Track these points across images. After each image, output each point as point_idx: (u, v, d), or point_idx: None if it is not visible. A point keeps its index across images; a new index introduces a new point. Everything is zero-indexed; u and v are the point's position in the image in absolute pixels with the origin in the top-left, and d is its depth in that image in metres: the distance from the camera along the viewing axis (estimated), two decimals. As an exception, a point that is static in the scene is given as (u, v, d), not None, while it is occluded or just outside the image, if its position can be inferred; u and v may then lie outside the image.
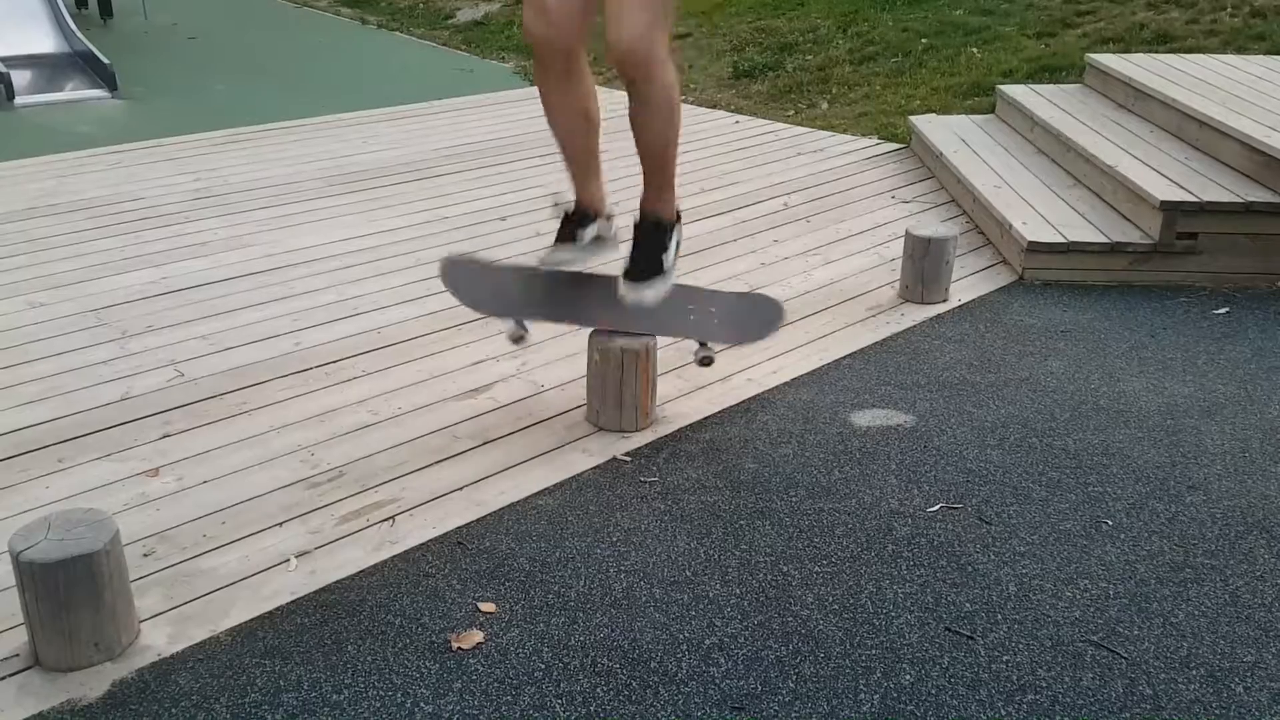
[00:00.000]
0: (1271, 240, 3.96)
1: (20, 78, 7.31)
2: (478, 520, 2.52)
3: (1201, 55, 5.74)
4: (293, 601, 2.23)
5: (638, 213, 2.78)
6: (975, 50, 7.22)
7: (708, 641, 2.13)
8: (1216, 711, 1.96)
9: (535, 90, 2.67)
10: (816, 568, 2.36)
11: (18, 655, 2.06)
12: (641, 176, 2.73)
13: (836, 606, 2.23)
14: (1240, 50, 6.23)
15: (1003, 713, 1.96)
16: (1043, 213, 4.24)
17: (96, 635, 2.02)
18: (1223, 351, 3.46)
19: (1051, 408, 3.08)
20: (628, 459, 2.79)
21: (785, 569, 2.35)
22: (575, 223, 2.86)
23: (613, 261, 2.88)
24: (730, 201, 4.87)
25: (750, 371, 3.28)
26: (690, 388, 3.16)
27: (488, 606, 2.22)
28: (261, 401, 3.05)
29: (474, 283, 3.04)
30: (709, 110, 6.78)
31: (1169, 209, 3.91)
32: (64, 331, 3.48)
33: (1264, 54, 6.01)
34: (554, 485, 2.67)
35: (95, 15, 10.07)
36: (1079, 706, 1.97)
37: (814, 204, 4.87)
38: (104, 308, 3.66)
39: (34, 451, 2.78)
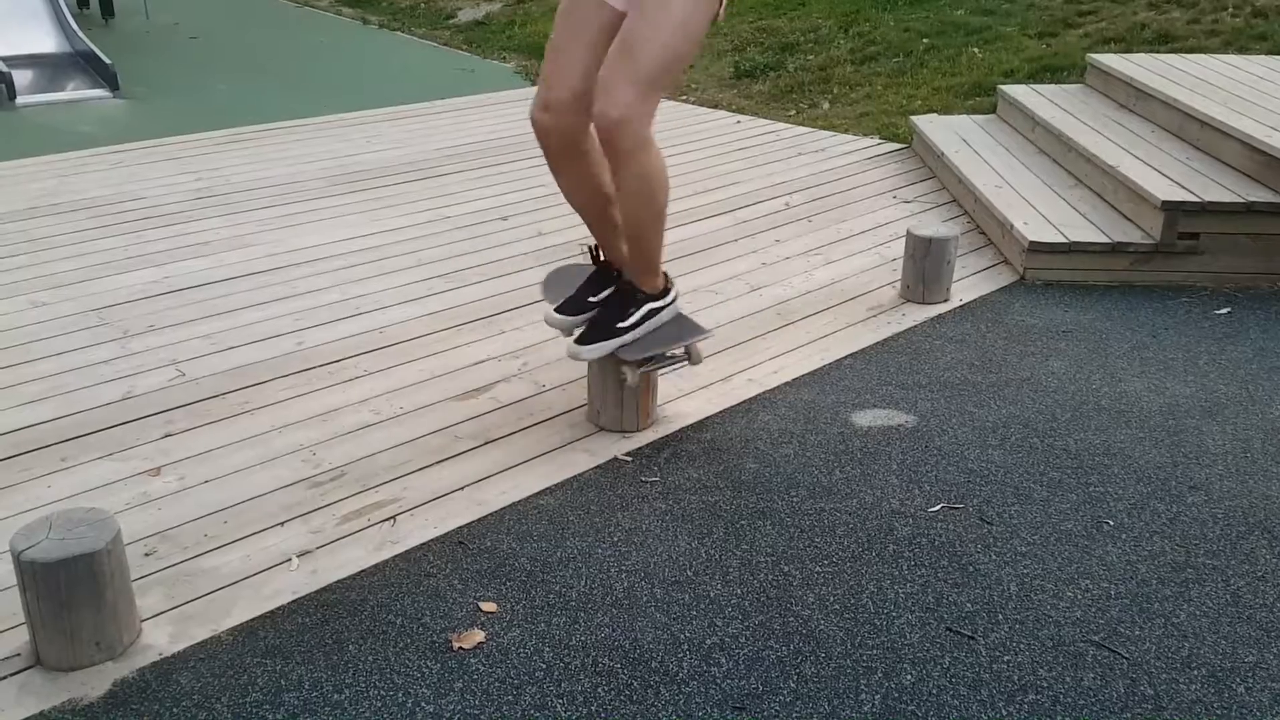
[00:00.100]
0: (1273, 240, 3.96)
1: (22, 77, 7.32)
2: (479, 520, 2.52)
3: (1203, 55, 5.74)
4: (294, 601, 2.23)
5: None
6: (976, 50, 7.22)
7: (709, 641, 2.13)
8: (1218, 712, 1.96)
9: (537, 89, 2.67)
10: (817, 568, 2.36)
11: (19, 654, 2.06)
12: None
13: (838, 606, 2.23)
14: (1242, 50, 6.23)
15: (1004, 713, 1.96)
16: (1044, 213, 4.24)
17: (98, 634, 2.02)
18: (1224, 352, 3.46)
19: (1053, 408, 3.08)
20: (629, 459, 2.79)
21: (786, 569, 2.35)
22: (595, 283, 2.81)
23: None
24: (731, 201, 4.87)
25: (751, 371, 3.28)
26: (691, 388, 3.16)
27: (489, 606, 2.22)
28: (263, 401, 3.05)
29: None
30: (710, 110, 6.78)
31: (1170, 209, 3.91)
32: (66, 331, 3.48)
33: (1265, 54, 6.01)
34: (555, 485, 2.67)
35: (97, 15, 10.08)
36: (1080, 707, 1.97)
37: (815, 204, 4.87)
38: (105, 307, 3.66)
39: (35, 451, 2.78)
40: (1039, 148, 5.10)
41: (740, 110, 6.84)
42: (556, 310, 2.81)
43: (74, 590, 1.96)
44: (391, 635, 2.14)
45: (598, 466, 2.75)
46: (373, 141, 5.83)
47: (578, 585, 2.29)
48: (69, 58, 7.97)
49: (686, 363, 2.89)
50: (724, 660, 2.08)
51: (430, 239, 4.34)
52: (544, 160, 2.70)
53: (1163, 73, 5.13)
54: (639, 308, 2.73)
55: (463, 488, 2.65)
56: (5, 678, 2.02)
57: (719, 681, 2.03)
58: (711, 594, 2.27)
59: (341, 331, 3.51)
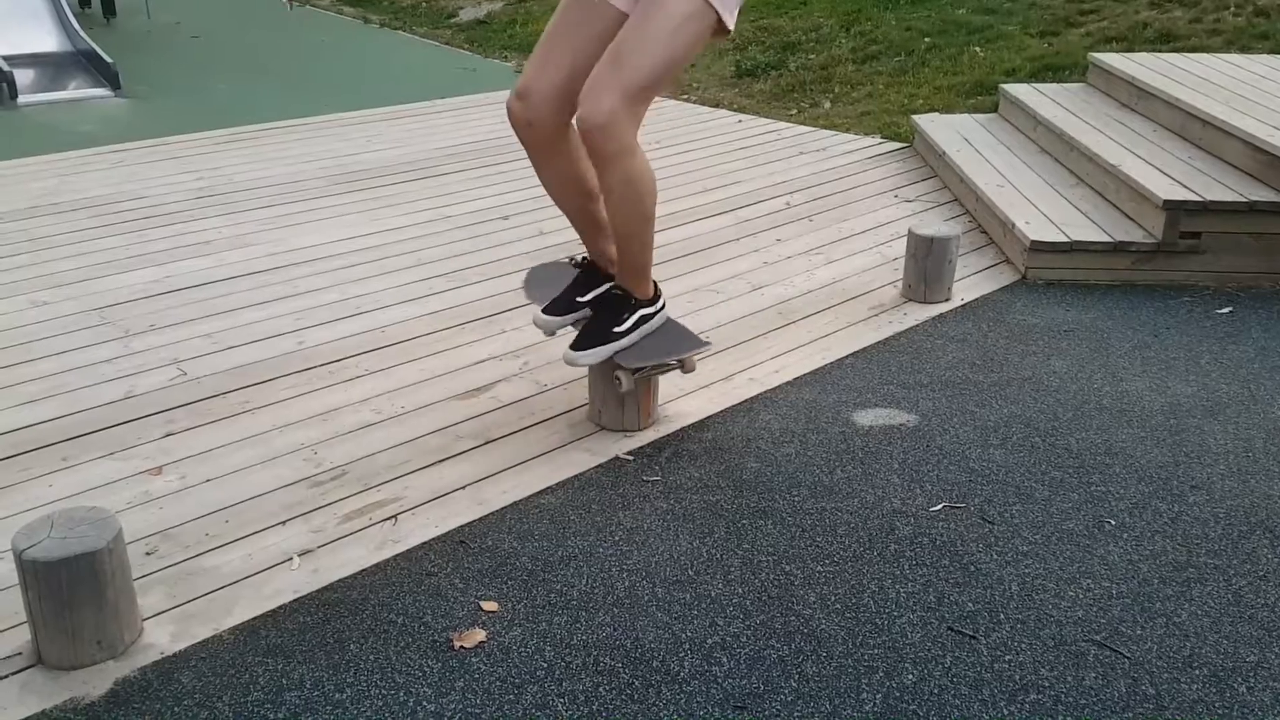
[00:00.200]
0: (1275, 240, 3.95)
1: (23, 76, 7.32)
2: (480, 519, 2.52)
3: (1205, 54, 5.73)
4: (295, 600, 2.23)
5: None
6: (978, 49, 7.22)
7: (710, 641, 2.13)
8: (1219, 711, 1.96)
9: (519, 78, 2.67)
10: (819, 567, 2.36)
11: (20, 653, 2.06)
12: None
13: (839, 606, 2.23)
14: (1244, 49, 6.22)
15: (1005, 712, 1.96)
16: (1045, 212, 4.24)
17: (99, 634, 2.02)
18: (1226, 351, 3.46)
19: (1054, 407, 3.08)
20: (630, 458, 2.79)
21: (788, 568, 2.35)
22: (582, 284, 2.81)
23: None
24: (732, 200, 4.87)
25: (752, 371, 3.28)
26: (692, 387, 3.16)
27: (490, 605, 2.22)
28: (264, 400, 3.05)
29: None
30: (711, 109, 6.78)
31: (1172, 208, 3.90)
32: (67, 330, 3.48)
33: (1268, 53, 6.01)
34: (556, 484, 2.67)
35: (98, 14, 10.08)
36: (1081, 706, 1.97)
37: (816, 203, 4.87)
38: (107, 306, 3.66)
39: (37, 450, 2.78)
40: (1041, 147, 5.10)
41: (742, 109, 6.84)
42: (544, 311, 2.81)
43: (75, 589, 1.97)
44: (393, 634, 2.14)
45: (599, 466, 2.75)
46: (374, 141, 5.83)
47: (579, 584, 2.29)
48: (70, 57, 7.97)
49: (679, 370, 2.89)
50: (725, 659, 2.08)
51: (431, 238, 4.34)
52: None
53: (1165, 72, 5.12)
54: (632, 313, 2.73)
55: (464, 487, 2.65)
56: (7, 676, 2.02)
57: (720, 681, 2.03)
58: (713, 593, 2.27)
59: (342, 331, 3.51)
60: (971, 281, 3.99)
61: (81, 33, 8.05)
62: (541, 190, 2.82)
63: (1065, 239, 3.99)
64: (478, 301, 3.75)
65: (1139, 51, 6.12)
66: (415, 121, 6.29)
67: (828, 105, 6.85)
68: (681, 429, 2.94)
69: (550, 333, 2.85)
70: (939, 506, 2.59)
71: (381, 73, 8.31)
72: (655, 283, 2.80)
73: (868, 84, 7.08)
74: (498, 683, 2.01)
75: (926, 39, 7.55)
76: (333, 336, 3.46)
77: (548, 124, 2.57)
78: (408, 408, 3.02)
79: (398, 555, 2.38)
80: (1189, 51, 6.07)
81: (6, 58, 7.17)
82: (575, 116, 2.42)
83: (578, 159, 2.64)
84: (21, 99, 6.93)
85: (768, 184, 5.13)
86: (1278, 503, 2.61)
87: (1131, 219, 4.15)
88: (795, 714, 1.95)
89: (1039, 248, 3.99)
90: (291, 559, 2.36)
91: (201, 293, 3.79)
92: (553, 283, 2.91)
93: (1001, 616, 2.20)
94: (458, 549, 2.41)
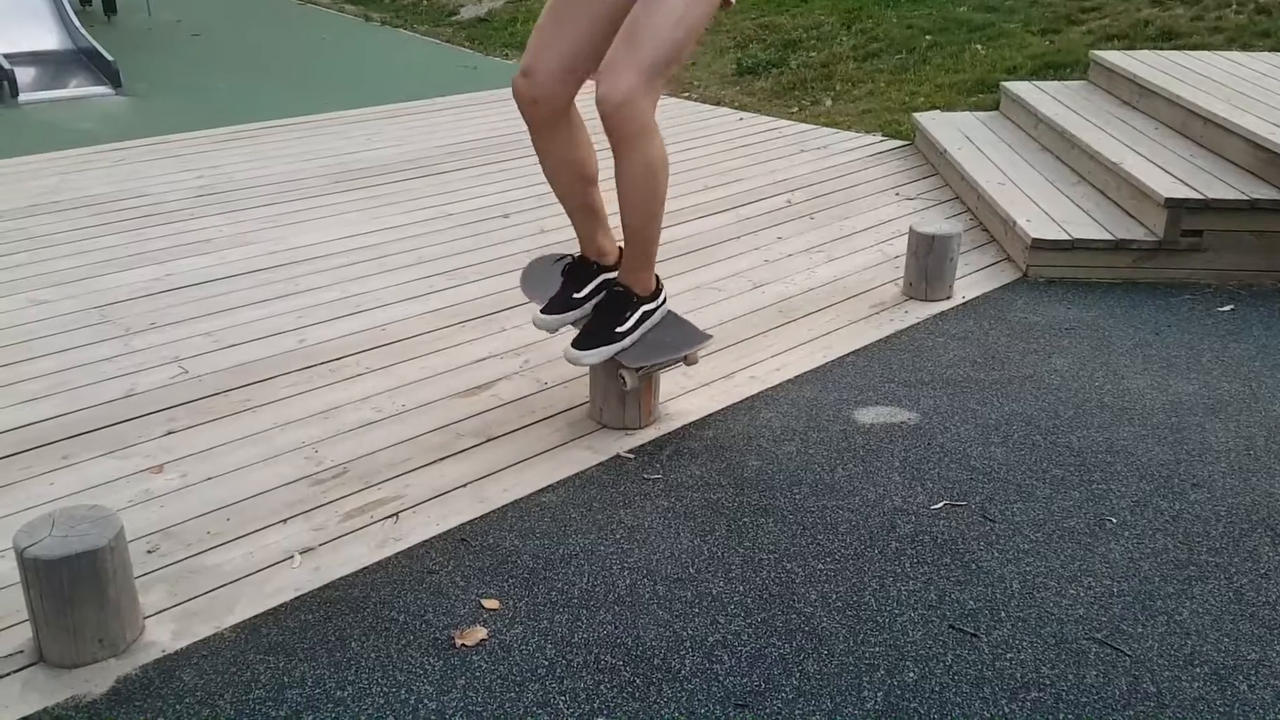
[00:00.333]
0: (1276, 237, 3.95)
1: (24, 74, 7.32)
2: (481, 517, 2.52)
3: (1206, 52, 5.73)
4: (296, 598, 2.23)
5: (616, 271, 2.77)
6: (979, 47, 7.21)
7: (711, 639, 2.13)
8: (1220, 709, 1.96)
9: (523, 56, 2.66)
10: (820, 565, 2.36)
11: (22, 651, 2.07)
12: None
13: (840, 604, 2.23)
14: (1245, 47, 6.21)
15: (1006, 710, 1.96)
16: (1047, 210, 4.24)
17: (101, 631, 2.02)
18: (1227, 349, 3.46)
19: (1055, 405, 3.08)
20: (631, 456, 2.79)
21: (789, 566, 2.35)
22: (574, 281, 2.80)
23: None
24: (734, 198, 4.87)
25: (753, 369, 3.28)
26: (693, 385, 3.16)
27: (491, 603, 2.22)
28: (265, 398, 3.05)
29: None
30: (713, 107, 6.78)
31: (1174, 206, 3.90)
32: (67, 328, 3.48)
33: (1269, 51, 6.00)
34: (557, 482, 2.67)
35: (99, 12, 10.08)
36: (1083, 704, 1.97)
37: (817, 201, 4.86)
38: (107, 304, 3.66)
39: (38, 448, 2.78)
40: (1042, 145, 5.10)
41: (743, 107, 6.83)
42: (543, 311, 2.81)
43: (77, 587, 1.97)
44: (394, 632, 2.14)
45: (600, 464, 2.75)
46: (374, 139, 5.83)
47: (580, 582, 2.29)
48: (71, 55, 7.97)
49: (682, 363, 2.89)
50: (726, 657, 2.08)
51: (432, 236, 4.34)
52: None
53: (1166, 69, 5.12)
54: (634, 311, 2.73)
55: (465, 485, 2.65)
56: (8, 675, 2.02)
57: (721, 679, 2.03)
58: (714, 591, 2.27)
59: (343, 329, 3.51)
60: (973, 279, 3.99)
61: (82, 30, 8.05)
62: (542, 188, 2.82)
63: (1066, 237, 3.99)
64: (478, 299, 3.75)
65: (1140, 49, 6.11)
66: (416, 119, 6.28)
67: (829, 103, 6.85)
68: (682, 427, 2.93)
69: (552, 331, 2.85)
70: (940, 504, 2.59)
71: (382, 71, 8.30)
72: (657, 276, 2.80)
73: (869, 82, 7.07)
74: (499, 680, 2.02)
75: (928, 36, 7.55)
76: (333, 334, 3.46)
77: (553, 100, 2.56)
78: (408, 406, 3.02)
79: (399, 553, 2.38)
80: (1190, 49, 6.06)
81: (7, 55, 7.17)
82: (595, 98, 2.41)
83: (579, 143, 2.65)
84: (22, 97, 6.93)
85: (769, 182, 5.12)
86: (1279, 501, 2.61)
87: (1133, 217, 4.15)
88: (796, 712, 1.95)
89: (1040, 245, 3.98)
90: (293, 557, 2.36)
91: (202, 291, 3.79)
92: (548, 280, 2.91)
93: (1003, 614, 2.20)
94: (459, 547, 2.41)
